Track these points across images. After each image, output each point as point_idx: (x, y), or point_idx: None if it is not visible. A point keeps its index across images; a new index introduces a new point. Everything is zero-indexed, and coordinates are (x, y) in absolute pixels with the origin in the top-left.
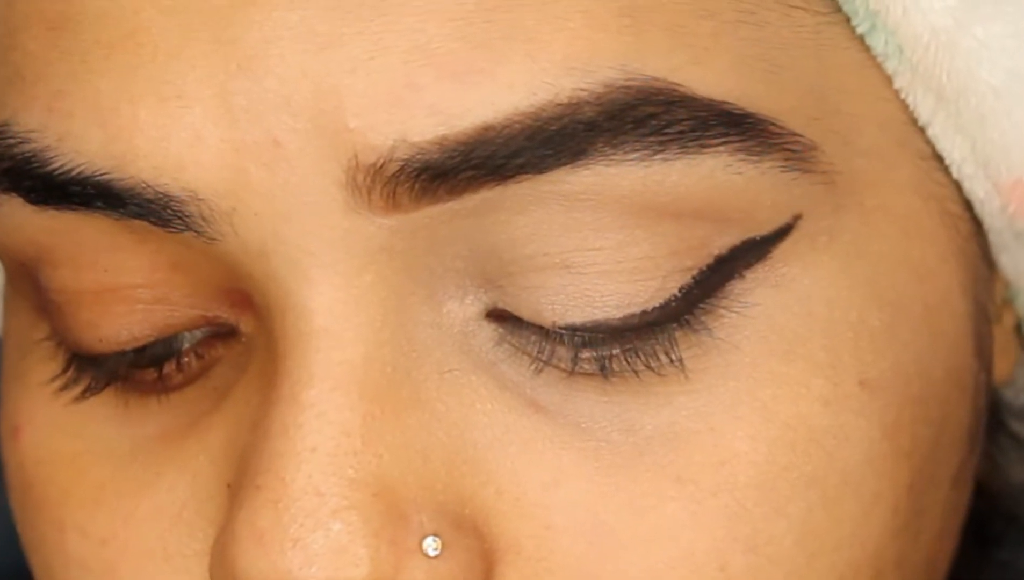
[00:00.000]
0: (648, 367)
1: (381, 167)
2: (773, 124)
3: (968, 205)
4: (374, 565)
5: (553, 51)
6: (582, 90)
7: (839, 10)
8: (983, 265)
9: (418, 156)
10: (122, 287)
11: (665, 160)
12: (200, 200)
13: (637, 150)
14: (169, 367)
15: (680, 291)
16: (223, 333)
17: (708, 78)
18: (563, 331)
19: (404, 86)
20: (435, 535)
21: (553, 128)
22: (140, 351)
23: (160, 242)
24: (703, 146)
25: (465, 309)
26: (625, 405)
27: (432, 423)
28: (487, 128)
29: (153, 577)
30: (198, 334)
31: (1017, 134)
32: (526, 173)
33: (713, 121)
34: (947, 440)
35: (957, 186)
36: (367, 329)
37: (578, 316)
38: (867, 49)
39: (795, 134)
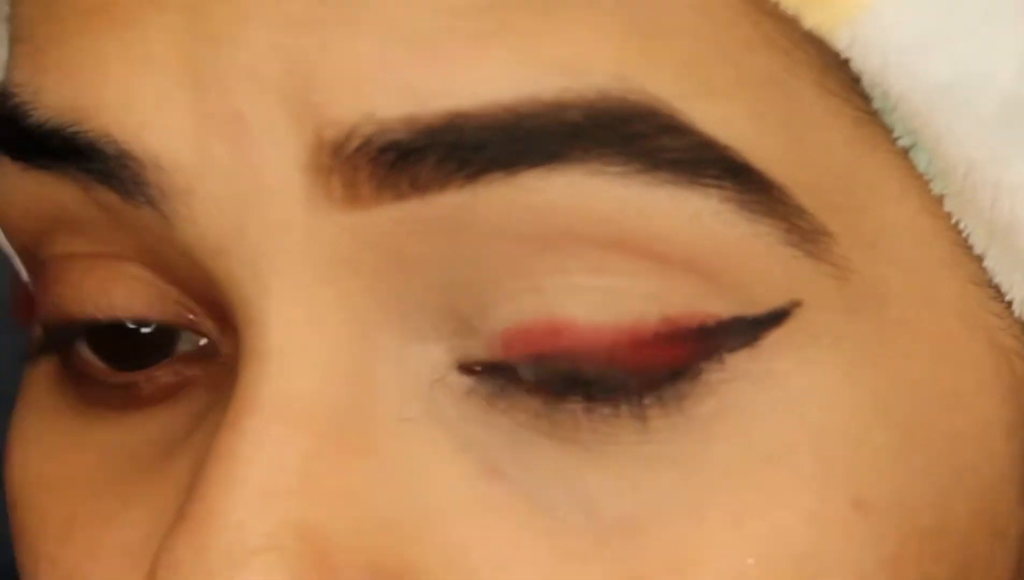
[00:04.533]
0: (609, 427)
1: (343, 143)
2: (779, 190)
3: None
4: None
5: (545, 51)
6: (570, 91)
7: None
8: None
9: (383, 133)
10: (108, 256)
11: (648, 184)
12: (160, 168)
13: (619, 164)
14: (144, 375)
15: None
16: (203, 353)
17: (715, 116)
18: (524, 363)
19: (376, 65)
20: None
21: (530, 125)
22: (119, 334)
23: (131, 229)
24: (693, 181)
25: (436, 355)
26: (585, 480)
27: (381, 475)
28: (459, 115)
29: None
30: (178, 348)
31: None
32: (495, 170)
33: (708, 160)
34: None
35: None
36: (324, 356)
37: (540, 345)
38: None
39: (804, 211)
